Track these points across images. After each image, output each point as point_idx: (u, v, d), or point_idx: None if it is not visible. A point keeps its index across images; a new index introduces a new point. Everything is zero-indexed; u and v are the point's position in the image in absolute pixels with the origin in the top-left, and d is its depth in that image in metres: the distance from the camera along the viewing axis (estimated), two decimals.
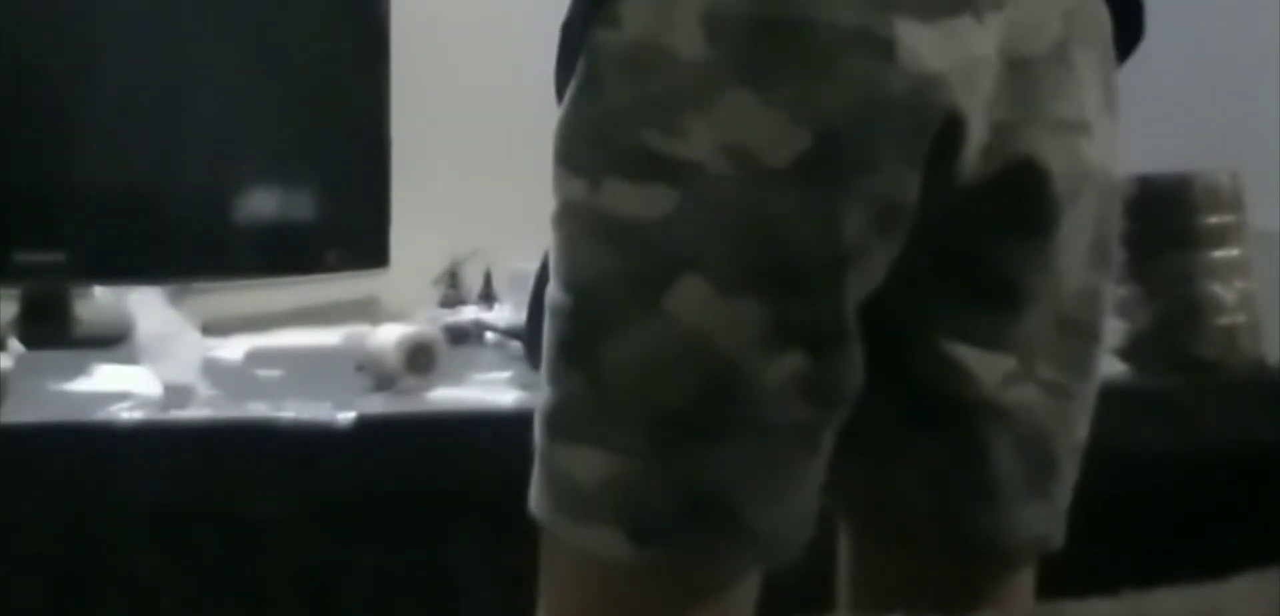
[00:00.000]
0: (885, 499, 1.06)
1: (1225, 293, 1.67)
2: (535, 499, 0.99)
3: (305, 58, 2.11)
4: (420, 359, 1.49)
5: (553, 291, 0.99)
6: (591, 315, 0.96)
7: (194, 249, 2.02)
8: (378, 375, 1.51)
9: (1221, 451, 1.57)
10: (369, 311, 2.08)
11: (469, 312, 1.98)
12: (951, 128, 0.94)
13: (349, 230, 2.15)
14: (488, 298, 2.09)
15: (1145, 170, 1.71)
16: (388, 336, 1.51)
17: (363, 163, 2.15)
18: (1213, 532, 1.53)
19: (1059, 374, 1.04)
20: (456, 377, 1.52)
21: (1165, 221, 1.68)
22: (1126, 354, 1.68)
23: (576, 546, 0.98)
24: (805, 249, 0.93)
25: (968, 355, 1.01)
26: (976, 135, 0.96)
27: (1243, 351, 1.67)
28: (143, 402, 1.40)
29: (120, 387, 1.46)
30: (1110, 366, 1.66)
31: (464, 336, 1.85)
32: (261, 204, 2.09)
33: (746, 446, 0.95)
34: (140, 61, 1.99)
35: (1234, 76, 2.27)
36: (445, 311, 2.02)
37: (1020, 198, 0.99)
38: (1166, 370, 1.66)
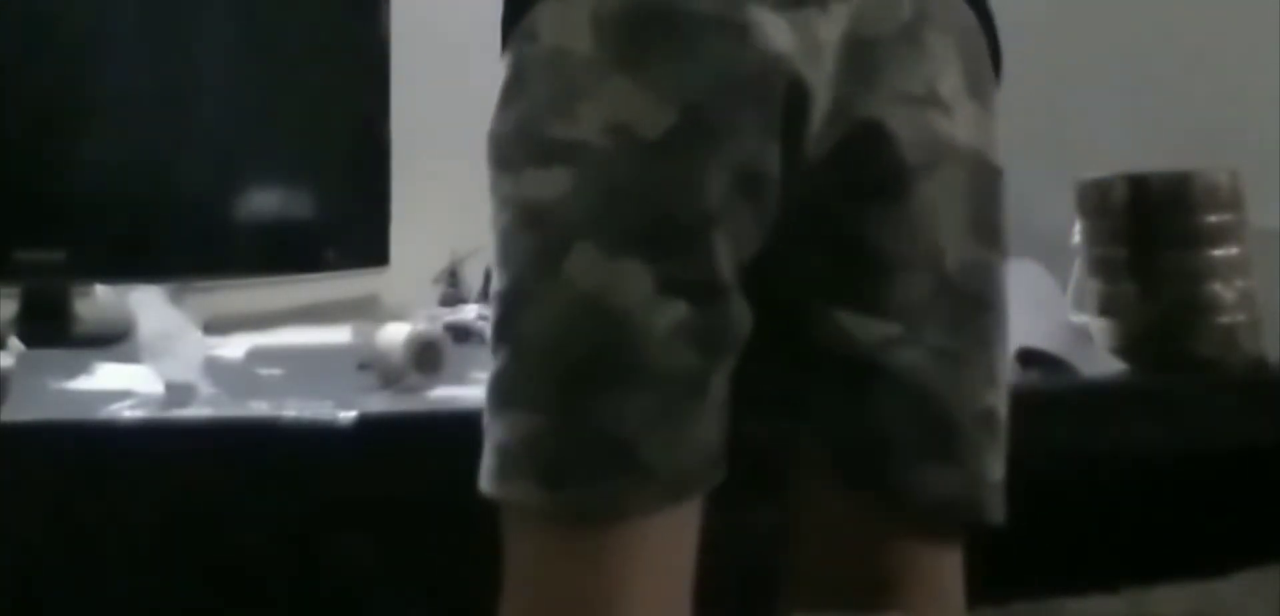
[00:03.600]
0: (800, 454, 1.13)
1: (1225, 291, 1.67)
2: (481, 475, 1.10)
3: (305, 58, 2.11)
4: (427, 357, 1.50)
5: (494, 283, 1.11)
6: (515, 294, 1.08)
7: (195, 247, 2.02)
8: (384, 373, 1.51)
9: (1221, 450, 1.57)
10: (369, 310, 2.08)
11: (470, 311, 1.98)
12: (798, 98, 1.06)
13: (349, 229, 2.15)
14: (488, 296, 2.09)
15: (1145, 169, 1.71)
16: (395, 334, 1.51)
17: (363, 162, 2.15)
18: (1212, 532, 1.53)
19: (950, 341, 1.11)
20: (458, 376, 1.52)
21: (1165, 220, 1.69)
22: (1126, 353, 1.68)
23: (506, 503, 1.08)
24: (676, 210, 1.05)
25: (847, 319, 1.10)
26: (821, 106, 1.07)
27: (1242, 350, 1.67)
28: (144, 401, 1.40)
29: (121, 386, 1.45)
30: (1110, 365, 1.67)
31: (465, 335, 1.85)
32: (262, 203, 2.09)
33: (641, 392, 1.04)
34: (141, 60, 1.99)
35: (1233, 75, 2.27)
36: (445, 310, 2.02)
37: (867, 160, 1.09)
38: (1166, 369, 1.66)
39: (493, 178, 1.12)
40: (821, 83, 1.07)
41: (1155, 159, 1.74)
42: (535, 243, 1.06)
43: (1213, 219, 1.67)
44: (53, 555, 1.27)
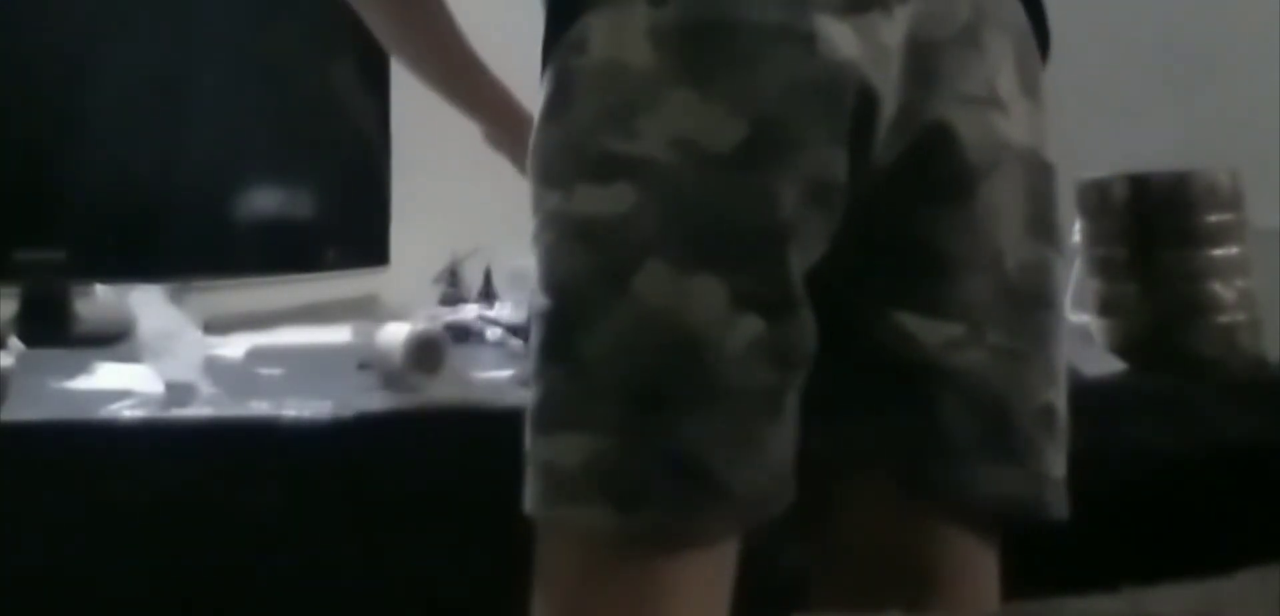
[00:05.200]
0: (850, 455, 1.12)
1: (1225, 291, 1.67)
2: (528, 497, 1.06)
3: (305, 58, 2.11)
4: (427, 357, 1.49)
5: (536, 299, 1.07)
6: (570, 312, 1.04)
7: (195, 247, 2.03)
8: (384, 373, 1.51)
9: (1221, 450, 1.57)
10: (369, 309, 2.08)
11: (470, 311, 1.98)
12: (866, 105, 1.04)
13: (349, 228, 2.16)
14: (488, 295, 2.10)
15: (1145, 169, 1.71)
16: (395, 334, 1.51)
17: (363, 162, 2.15)
18: (1213, 531, 1.53)
19: (1010, 340, 1.10)
20: (458, 376, 1.52)
21: (1165, 219, 1.69)
22: (1126, 352, 1.68)
23: (567, 528, 1.04)
24: (749, 224, 1.02)
25: (909, 321, 1.09)
26: (888, 111, 1.06)
27: (1242, 349, 1.67)
28: (144, 401, 1.40)
29: (121, 386, 1.46)
30: (1110, 365, 1.67)
31: (465, 334, 1.86)
32: (262, 202, 2.09)
33: (715, 411, 1.02)
34: (141, 60, 1.99)
35: (1233, 74, 2.28)
36: (445, 310, 2.02)
37: (933, 163, 1.08)
38: (1166, 368, 1.66)
39: (536, 193, 1.08)
40: (888, 87, 1.05)
41: (1155, 159, 1.74)
42: (594, 260, 1.03)
43: (1213, 219, 1.68)
44: (52, 554, 1.27)
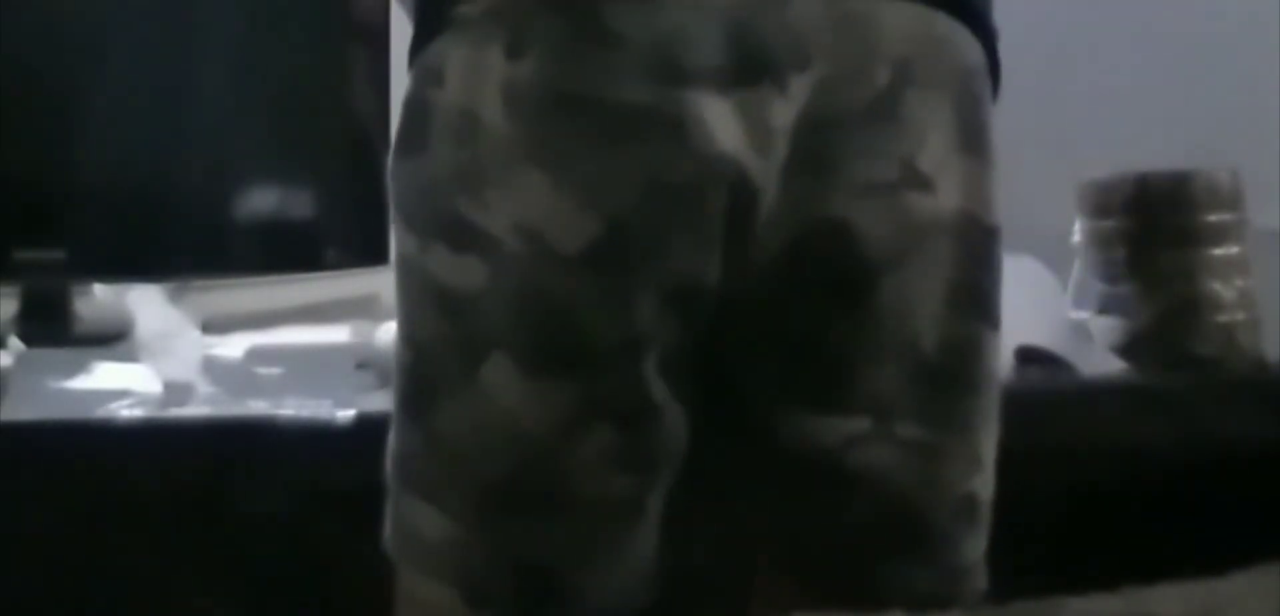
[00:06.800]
0: (756, 554, 1.06)
1: (1225, 290, 1.67)
2: (388, 535, 1.03)
3: (305, 57, 2.11)
4: None
5: (397, 341, 1.02)
6: (426, 375, 0.99)
7: (194, 246, 2.02)
8: (382, 372, 1.50)
9: (1221, 449, 1.57)
10: (369, 309, 2.08)
11: None
12: (742, 200, 0.94)
13: (349, 228, 2.15)
14: None
15: (1145, 168, 1.71)
16: (393, 333, 1.51)
17: (363, 161, 2.14)
18: (1213, 531, 1.53)
19: (924, 431, 1.00)
20: None
21: (1165, 219, 1.69)
22: (1126, 352, 1.68)
23: (421, 596, 1.02)
24: (600, 332, 0.94)
25: (805, 420, 1.00)
26: (769, 201, 0.95)
27: (1242, 349, 1.67)
28: (143, 400, 1.40)
29: (120, 385, 1.46)
30: (1110, 364, 1.67)
31: None
32: (261, 201, 2.09)
33: (565, 520, 0.97)
34: (141, 59, 1.99)
35: (1234, 74, 2.27)
36: None
37: (825, 260, 0.97)
38: (1166, 368, 1.66)
39: (395, 220, 1.01)
40: (770, 175, 0.94)
41: (1155, 159, 1.74)
42: (448, 331, 0.97)
43: (1213, 218, 1.68)
44: (52, 554, 1.27)
